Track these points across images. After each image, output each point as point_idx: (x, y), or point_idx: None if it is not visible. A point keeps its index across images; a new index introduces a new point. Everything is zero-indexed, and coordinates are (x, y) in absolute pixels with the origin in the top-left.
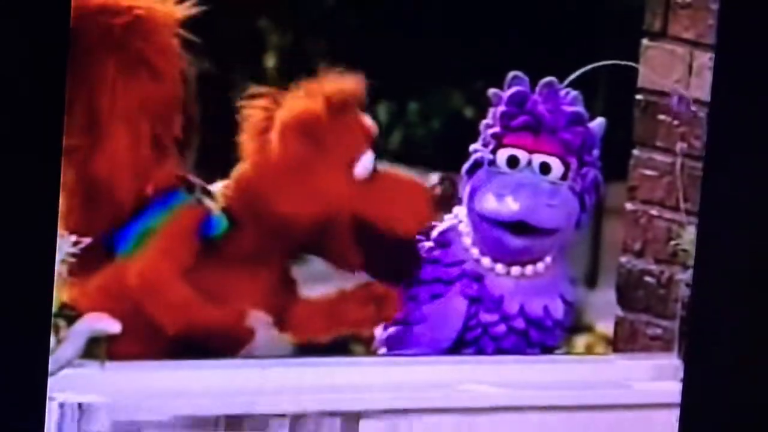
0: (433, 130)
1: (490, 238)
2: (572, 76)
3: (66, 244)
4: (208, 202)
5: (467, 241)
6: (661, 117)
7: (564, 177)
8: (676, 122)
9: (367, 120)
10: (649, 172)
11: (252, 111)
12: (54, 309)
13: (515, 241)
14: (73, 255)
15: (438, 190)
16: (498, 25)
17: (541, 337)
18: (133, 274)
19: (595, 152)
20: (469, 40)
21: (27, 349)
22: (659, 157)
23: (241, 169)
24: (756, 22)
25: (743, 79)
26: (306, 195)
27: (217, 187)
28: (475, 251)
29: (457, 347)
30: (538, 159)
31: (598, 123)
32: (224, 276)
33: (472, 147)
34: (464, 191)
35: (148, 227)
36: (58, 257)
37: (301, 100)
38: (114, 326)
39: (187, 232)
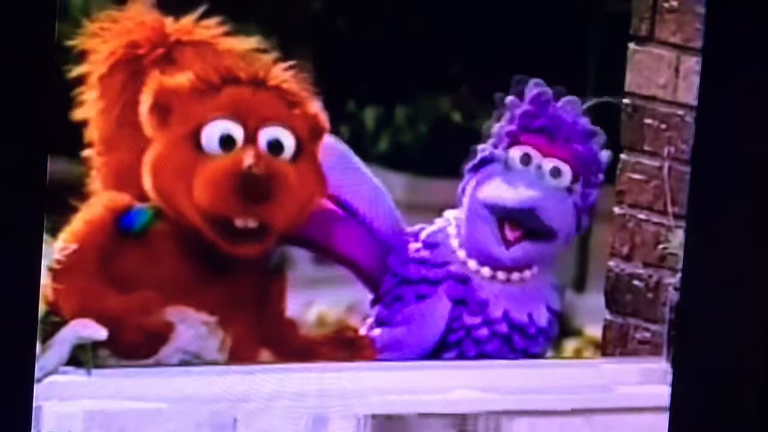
0: (421, 134)
1: (482, 237)
2: (591, 102)
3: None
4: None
5: (455, 243)
6: (648, 121)
7: (571, 187)
8: (663, 126)
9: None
10: (636, 176)
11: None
12: (40, 315)
13: (507, 253)
14: (59, 262)
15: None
16: (485, 31)
17: (525, 344)
18: None
19: (600, 177)
20: (457, 46)
21: (12, 356)
22: (647, 161)
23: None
24: (742, 26)
25: (730, 83)
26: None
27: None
28: (461, 253)
29: (440, 349)
30: (550, 163)
31: (606, 153)
32: (149, 271)
33: (480, 147)
34: (467, 187)
35: None
36: (44, 263)
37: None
38: (100, 333)
39: (101, 223)
